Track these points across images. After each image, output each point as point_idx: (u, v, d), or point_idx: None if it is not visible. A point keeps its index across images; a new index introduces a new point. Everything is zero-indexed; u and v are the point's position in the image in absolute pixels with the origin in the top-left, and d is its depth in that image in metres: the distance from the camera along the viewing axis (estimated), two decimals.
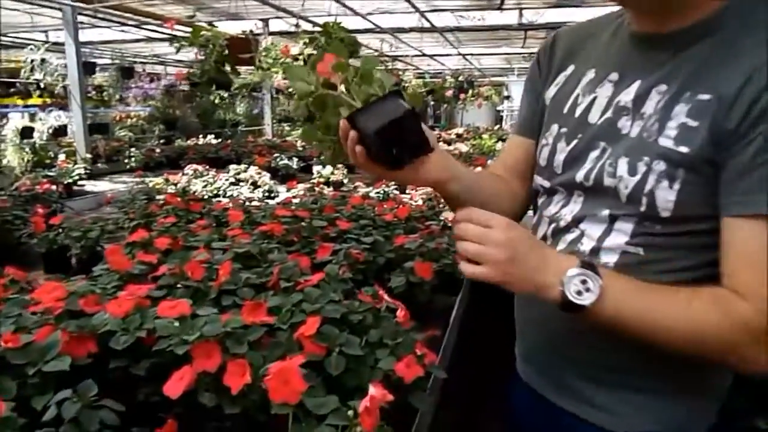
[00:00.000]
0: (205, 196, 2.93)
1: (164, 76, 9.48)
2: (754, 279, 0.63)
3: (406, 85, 9.94)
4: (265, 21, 6.65)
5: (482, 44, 10.00)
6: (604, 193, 0.75)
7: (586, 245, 0.78)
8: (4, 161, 4.16)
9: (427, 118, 17.02)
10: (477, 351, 1.59)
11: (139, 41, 7.99)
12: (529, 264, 0.68)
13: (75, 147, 4.49)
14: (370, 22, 6.94)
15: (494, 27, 7.67)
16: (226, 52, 3.92)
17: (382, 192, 2.94)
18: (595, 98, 0.80)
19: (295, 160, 4.50)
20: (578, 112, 0.82)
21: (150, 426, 0.72)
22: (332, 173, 3.72)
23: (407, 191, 3.07)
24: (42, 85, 5.59)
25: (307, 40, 3.95)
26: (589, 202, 0.79)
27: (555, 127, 0.85)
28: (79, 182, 3.64)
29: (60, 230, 1.80)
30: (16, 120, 5.34)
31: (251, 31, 4.46)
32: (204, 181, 3.40)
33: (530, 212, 0.98)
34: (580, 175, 0.79)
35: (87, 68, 5.72)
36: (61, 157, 4.10)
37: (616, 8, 0.84)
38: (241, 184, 3.49)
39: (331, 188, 3.36)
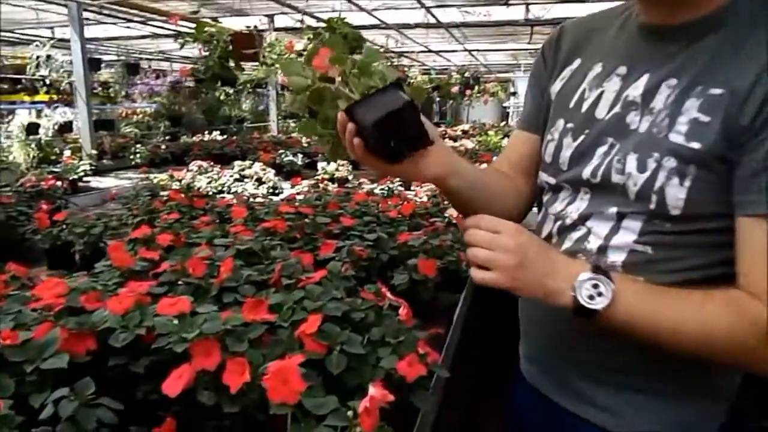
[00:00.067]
0: (210, 193, 2.93)
1: (170, 73, 9.50)
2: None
3: (412, 81, 9.90)
4: (270, 17, 6.63)
5: (488, 40, 9.94)
6: (612, 190, 0.74)
7: (593, 243, 0.76)
8: (10, 157, 4.18)
9: (433, 114, 16.99)
10: (480, 350, 1.58)
11: (145, 37, 8.01)
12: (539, 269, 0.68)
13: (80, 143, 4.50)
14: (376, 17, 6.92)
15: (500, 22, 7.62)
16: (230, 47, 3.91)
17: (386, 188, 2.92)
18: (602, 93, 0.79)
19: (300, 156, 4.49)
20: (585, 107, 0.80)
21: (149, 424, 0.71)
22: (337, 169, 3.70)
23: (412, 188, 3.05)
24: (48, 82, 5.60)
25: (311, 36, 3.93)
26: (595, 199, 0.77)
27: (561, 123, 0.84)
28: (85, 178, 3.64)
29: (63, 226, 1.79)
30: (23, 116, 5.36)
31: (255, 26, 4.44)
32: (208, 177, 3.40)
33: (534, 209, 0.96)
34: (586, 172, 0.77)
35: (92, 64, 5.73)
36: (67, 153, 4.11)
37: (624, 2, 0.82)
38: (245, 180, 3.48)
39: (335, 184, 3.35)
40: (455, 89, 11.73)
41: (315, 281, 1.00)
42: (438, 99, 14.58)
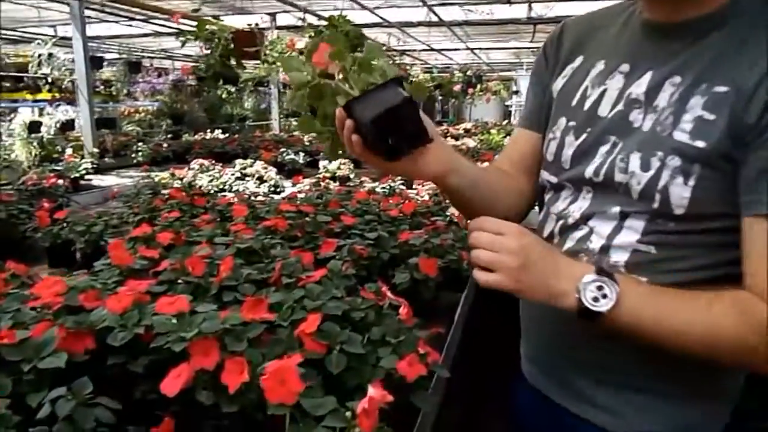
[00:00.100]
0: (211, 191, 2.92)
1: (172, 71, 9.50)
2: None
3: (414, 79, 9.88)
4: (273, 15, 6.63)
5: (491, 38, 9.93)
6: (615, 190, 0.73)
7: (596, 243, 0.75)
8: (12, 155, 4.18)
9: (435, 113, 16.96)
10: (482, 349, 1.57)
11: (147, 36, 8.01)
12: (542, 271, 0.67)
13: (82, 141, 4.50)
14: (378, 16, 6.91)
15: (503, 21, 7.61)
16: (232, 45, 3.90)
17: (388, 187, 2.92)
18: (605, 90, 0.78)
19: (302, 154, 4.49)
20: (587, 104, 0.79)
21: (147, 424, 0.71)
22: (338, 168, 3.70)
23: (414, 186, 3.05)
24: (50, 80, 5.60)
25: (312, 34, 3.92)
26: (598, 198, 0.77)
27: (563, 121, 0.83)
28: (86, 177, 3.64)
29: (64, 225, 1.79)
30: (26, 114, 5.37)
31: (256, 24, 4.43)
32: (210, 175, 3.39)
33: (535, 209, 0.95)
34: (589, 171, 0.77)
35: (94, 63, 5.73)
36: (69, 151, 4.11)
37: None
38: (247, 178, 3.48)
39: (337, 183, 3.34)
40: (457, 88, 11.71)
41: (315, 280, 1.00)
42: (440, 97, 14.56)
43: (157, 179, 3.13)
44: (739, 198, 0.64)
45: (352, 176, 3.61)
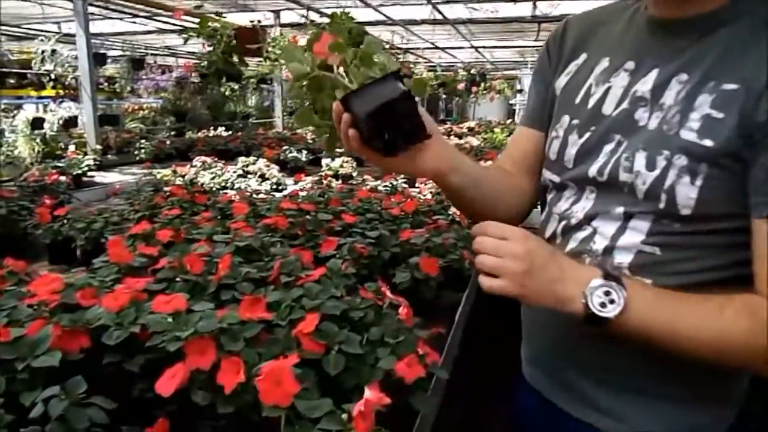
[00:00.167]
0: (213, 188, 2.92)
1: (175, 68, 9.51)
2: None
3: (417, 76, 9.87)
4: (276, 12, 6.61)
5: (495, 37, 9.88)
6: (619, 189, 0.72)
7: (599, 244, 0.74)
8: (15, 152, 4.18)
9: (439, 111, 16.94)
10: (483, 349, 1.56)
11: (151, 33, 8.01)
12: (548, 276, 0.66)
13: (85, 138, 4.50)
14: (381, 13, 6.89)
15: (507, 19, 7.57)
16: (234, 42, 3.89)
17: (390, 185, 2.90)
18: (609, 88, 0.76)
19: (305, 152, 4.47)
20: (591, 102, 0.78)
21: (143, 424, 0.70)
22: (341, 166, 3.68)
23: (416, 185, 3.03)
24: (53, 77, 5.61)
25: (315, 31, 3.90)
26: (602, 198, 0.75)
27: (566, 119, 0.81)
28: (89, 173, 3.64)
29: (65, 221, 1.79)
30: (30, 111, 5.37)
31: (259, 21, 4.42)
32: (212, 173, 3.39)
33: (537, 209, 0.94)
34: (593, 170, 0.75)
35: (98, 59, 5.74)
36: (71, 148, 4.11)
37: None
38: (249, 176, 3.47)
39: (339, 181, 3.33)
40: (461, 86, 11.69)
41: (314, 279, 0.99)
42: (444, 96, 14.53)
43: (159, 176, 3.13)
44: (748, 199, 0.63)
45: (354, 174, 3.60)
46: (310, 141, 5.35)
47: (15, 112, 5.23)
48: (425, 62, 12.54)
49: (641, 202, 0.69)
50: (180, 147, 5.19)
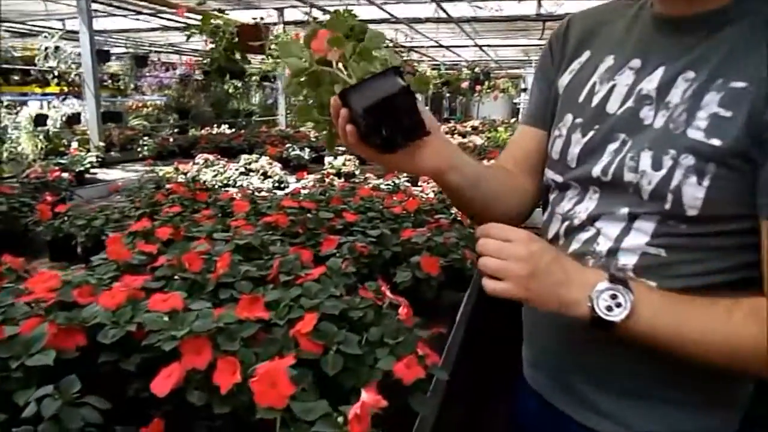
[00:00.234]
0: (216, 186, 2.91)
1: (179, 65, 9.52)
2: None
3: (419, 74, 9.84)
4: (280, 10, 6.60)
5: (499, 35, 9.85)
6: (624, 190, 0.70)
7: (603, 245, 0.73)
8: (18, 148, 4.19)
9: (442, 110, 16.91)
10: (484, 350, 1.55)
11: (155, 30, 8.01)
12: (552, 278, 0.64)
13: (88, 135, 4.50)
14: (385, 11, 6.86)
15: (512, 18, 7.54)
16: (236, 39, 3.87)
17: (392, 184, 2.89)
18: (614, 86, 0.75)
19: (307, 150, 4.47)
20: (595, 101, 0.77)
21: (138, 423, 0.69)
22: (344, 164, 3.67)
23: (419, 183, 3.02)
24: (57, 73, 5.61)
25: (312, 27, 3.88)
26: (605, 198, 0.74)
27: (569, 117, 0.80)
28: (91, 170, 3.64)
29: (65, 218, 1.78)
30: (34, 108, 5.38)
31: (261, 18, 4.40)
32: (214, 170, 3.38)
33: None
34: (596, 170, 0.74)
35: (101, 56, 5.74)
36: (74, 145, 4.11)
37: None
38: (251, 174, 3.46)
39: (341, 179, 3.32)
40: (465, 85, 11.66)
41: (314, 278, 0.98)
42: (448, 95, 14.51)
43: (161, 173, 3.12)
44: (756, 199, 0.61)
45: (357, 172, 3.59)
46: (313, 139, 5.34)
47: (19, 108, 5.24)
48: (429, 61, 12.51)
49: (646, 203, 0.68)
50: (183, 144, 5.19)
